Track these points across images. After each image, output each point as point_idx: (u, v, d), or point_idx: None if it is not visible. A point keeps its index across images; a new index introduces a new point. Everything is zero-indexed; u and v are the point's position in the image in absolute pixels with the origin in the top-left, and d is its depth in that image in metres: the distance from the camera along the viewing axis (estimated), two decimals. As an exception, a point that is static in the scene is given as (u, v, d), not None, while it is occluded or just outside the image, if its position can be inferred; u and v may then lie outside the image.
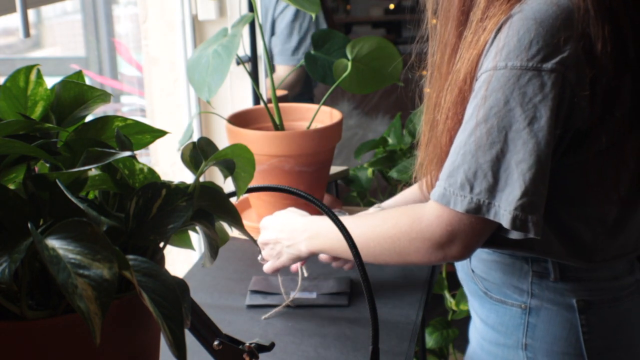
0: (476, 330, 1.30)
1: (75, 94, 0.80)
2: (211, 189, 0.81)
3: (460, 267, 1.31)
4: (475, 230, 1.10)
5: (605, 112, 1.07)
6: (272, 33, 2.88)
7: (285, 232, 1.37)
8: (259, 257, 1.43)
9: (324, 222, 1.31)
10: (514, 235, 1.07)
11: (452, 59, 1.16)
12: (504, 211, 1.05)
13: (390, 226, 1.17)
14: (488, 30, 1.09)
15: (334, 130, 1.74)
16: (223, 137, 1.89)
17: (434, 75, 1.21)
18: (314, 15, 1.65)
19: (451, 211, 1.09)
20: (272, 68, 1.82)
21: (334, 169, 2.21)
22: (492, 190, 1.06)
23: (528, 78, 1.04)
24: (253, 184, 0.88)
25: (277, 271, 1.40)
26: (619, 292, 1.21)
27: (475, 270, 1.27)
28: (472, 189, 1.06)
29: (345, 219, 1.29)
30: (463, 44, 1.13)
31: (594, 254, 1.17)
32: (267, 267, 1.40)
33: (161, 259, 0.78)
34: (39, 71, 0.78)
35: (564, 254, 1.16)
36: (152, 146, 1.79)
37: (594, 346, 1.19)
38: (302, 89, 2.95)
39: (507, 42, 1.05)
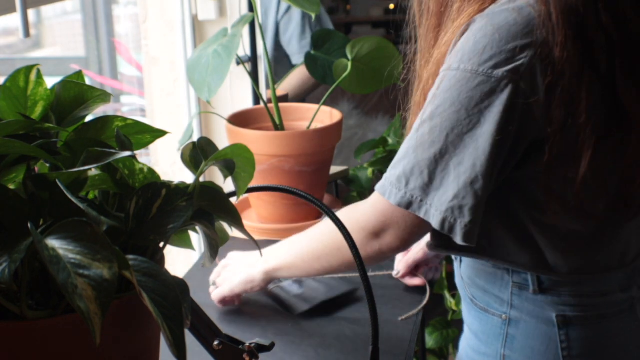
0: (464, 336, 1.30)
1: (75, 94, 0.80)
2: (211, 189, 0.81)
3: (456, 272, 1.30)
4: (408, 224, 1.11)
5: (564, 119, 1.03)
6: (276, 35, 2.88)
7: (235, 259, 1.41)
8: (210, 290, 1.44)
9: (275, 245, 1.33)
10: (458, 241, 1.06)
11: (429, 62, 1.16)
12: (434, 211, 1.05)
13: (330, 222, 1.17)
14: (451, 33, 1.09)
15: (334, 130, 1.74)
16: (223, 137, 1.89)
17: (414, 79, 1.22)
18: (314, 15, 1.65)
19: (386, 202, 1.10)
20: (272, 69, 1.81)
21: (334, 169, 2.21)
22: (426, 188, 1.06)
23: (477, 83, 1.02)
24: (253, 184, 0.88)
25: (225, 302, 1.41)
26: (605, 309, 1.17)
27: (464, 276, 1.26)
28: (407, 183, 1.07)
29: (291, 238, 1.31)
30: (439, 44, 1.13)
31: (559, 267, 1.14)
32: (215, 295, 1.41)
33: (161, 259, 0.78)
34: (39, 71, 0.78)
35: (530, 265, 1.14)
36: (152, 146, 1.79)
37: None
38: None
39: (464, 44, 1.04)
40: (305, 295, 1.43)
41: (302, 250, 1.27)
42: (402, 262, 1.51)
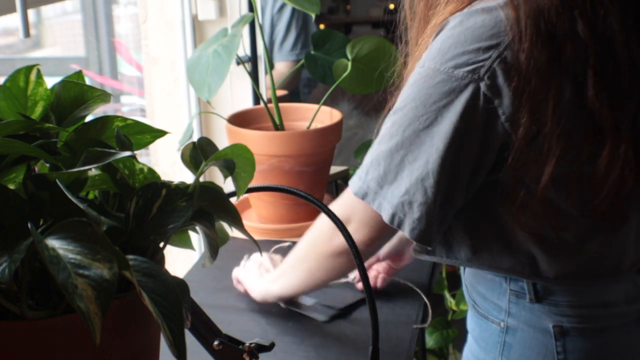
0: (467, 342, 1.30)
1: (75, 94, 0.80)
2: (211, 189, 0.81)
3: (462, 278, 1.29)
4: (367, 217, 1.11)
5: (528, 129, 1.00)
6: (272, 31, 2.89)
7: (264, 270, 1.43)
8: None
9: (285, 276, 1.34)
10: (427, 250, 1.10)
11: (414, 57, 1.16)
12: (386, 204, 1.06)
13: (312, 226, 1.23)
14: (429, 31, 1.09)
15: (334, 130, 1.74)
16: (223, 137, 1.89)
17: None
18: (314, 15, 1.65)
19: (350, 194, 1.11)
20: (272, 67, 1.82)
21: (334, 169, 2.21)
22: (382, 181, 1.06)
23: (437, 81, 1.02)
24: (253, 184, 0.88)
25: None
26: (608, 320, 1.14)
27: (466, 282, 1.25)
28: (367, 174, 1.08)
29: (297, 259, 1.31)
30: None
31: (549, 272, 1.11)
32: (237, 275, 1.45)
33: (161, 259, 0.78)
34: (39, 71, 0.78)
35: (516, 270, 1.12)
36: (152, 146, 1.79)
37: None
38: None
39: (434, 44, 1.05)
40: (319, 306, 1.41)
41: (293, 260, 1.30)
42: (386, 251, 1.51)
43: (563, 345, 1.13)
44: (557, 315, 1.13)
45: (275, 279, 1.35)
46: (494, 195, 1.08)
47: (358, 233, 1.12)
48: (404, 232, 1.06)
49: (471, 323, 1.26)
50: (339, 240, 1.16)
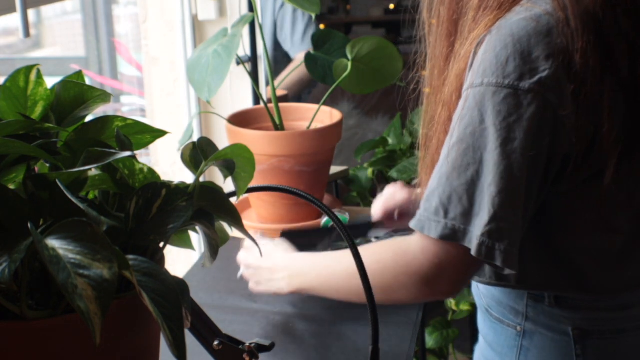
0: (479, 347, 1.28)
1: (75, 94, 0.80)
2: (211, 189, 0.81)
3: (472, 281, 1.28)
4: (464, 262, 1.03)
5: (593, 134, 1.00)
6: (275, 32, 2.88)
7: (267, 263, 1.35)
8: (238, 275, 1.43)
9: (306, 260, 1.29)
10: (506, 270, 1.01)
11: (443, 73, 1.12)
12: (474, 238, 0.99)
13: (374, 261, 1.08)
14: (469, 44, 1.05)
15: (334, 130, 1.74)
16: (223, 137, 1.89)
17: (429, 89, 1.18)
18: (314, 15, 1.65)
19: (436, 241, 1.03)
20: (272, 68, 1.81)
21: (334, 169, 2.21)
22: (467, 214, 1.00)
23: (503, 96, 0.98)
24: (253, 184, 0.88)
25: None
26: (625, 323, 1.14)
27: (479, 286, 1.24)
28: (446, 213, 1.01)
29: (329, 254, 1.29)
30: (453, 57, 1.09)
31: (599, 286, 1.11)
32: (252, 287, 1.40)
33: (161, 259, 0.78)
34: (39, 71, 0.78)
35: (567, 287, 1.11)
36: (152, 146, 1.79)
37: None
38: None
39: (484, 58, 1.00)
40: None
41: (328, 282, 1.23)
42: (380, 206, 1.51)
43: (583, 348, 1.12)
44: (577, 318, 1.12)
45: (304, 283, 1.30)
46: (542, 214, 1.06)
47: (450, 286, 1.06)
48: (495, 261, 0.99)
49: (484, 327, 1.24)
50: (423, 294, 1.09)
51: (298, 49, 2.86)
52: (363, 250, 1.09)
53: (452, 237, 1.01)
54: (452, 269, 1.05)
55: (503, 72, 0.98)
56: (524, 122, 0.97)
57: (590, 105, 0.99)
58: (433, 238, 1.03)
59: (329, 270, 1.23)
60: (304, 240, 1.47)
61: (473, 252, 0.99)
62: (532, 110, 0.97)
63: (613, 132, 1.00)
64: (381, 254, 1.12)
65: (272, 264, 1.34)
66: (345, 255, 1.18)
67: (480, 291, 1.24)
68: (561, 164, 1.02)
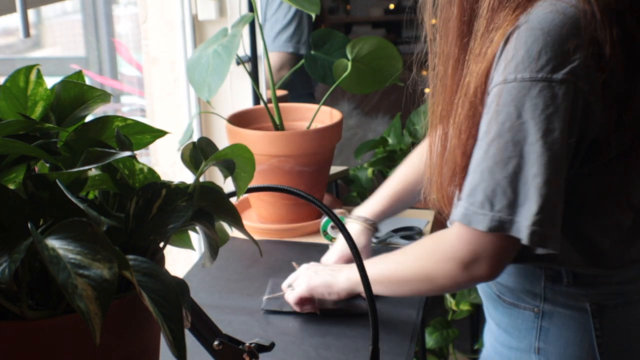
0: (490, 333, 1.30)
1: (75, 94, 0.80)
2: (211, 189, 0.81)
3: None
4: (499, 249, 1.09)
5: (617, 118, 1.06)
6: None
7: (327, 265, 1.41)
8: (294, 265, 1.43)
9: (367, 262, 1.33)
10: (539, 250, 1.06)
11: (456, 71, 1.15)
12: (523, 227, 1.04)
13: (419, 249, 1.20)
14: (495, 42, 1.07)
15: (334, 130, 1.74)
16: (223, 137, 1.89)
17: (437, 87, 1.19)
18: (314, 15, 1.65)
19: (473, 230, 1.08)
20: (270, 67, 1.82)
21: (334, 169, 2.21)
22: (513, 206, 1.05)
23: (539, 89, 1.02)
24: (253, 184, 0.88)
25: (302, 304, 1.38)
26: (633, 295, 1.20)
27: None
28: (492, 206, 1.06)
29: (375, 258, 1.30)
30: (470, 56, 1.12)
31: (612, 261, 1.16)
32: (291, 296, 1.38)
33: (161, 259, 0.78)
34: (39, 71, 0.78)
35: (583, 263, 1.15)
36: (152, 146, 1.79)
37: (607, 350, 1.17)
38: (302, 87, 2.93)
39: (516, 53, 1.04)
40: (346, 307, 1.39)
41: (391, 273, 1.25)
42: (335, 258, 1.50)
43: (600, 321, 1.17)
44: (593, 294, 1.17)
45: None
46: (571, 194, 1.10)
47: (488, 269, 1.11)
48: (546, 247, 1.05)
49: (496, 314, 1.26)
50: (463, 278, 1.14)
51: (269, 48, 2.85)
52: (408, 247, 1.26)
53: (500, 228, 1.06)
54: (486, 254, 1.10)
55: (536, 66, 1.02)
56: (561, 112, 1.03)
57: (616, 92, 1.04)
58: (472, 229, 1.08)
59: (389, 265, 1.26)
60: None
61: (525, 241, 1.04)
62: (567, 100, 1.03)
63: (637, 116, 1.06)
64: (424, 242, 1.21)
65: (321, 265, 1.41)
66: (391, 254, 1.27)
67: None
68: (587, 148, 1.08)
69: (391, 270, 1.25)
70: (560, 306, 1.18)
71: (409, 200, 1.54)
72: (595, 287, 1.17)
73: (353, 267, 1.32)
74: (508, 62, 1.04)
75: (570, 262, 1.16)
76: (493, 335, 1.28)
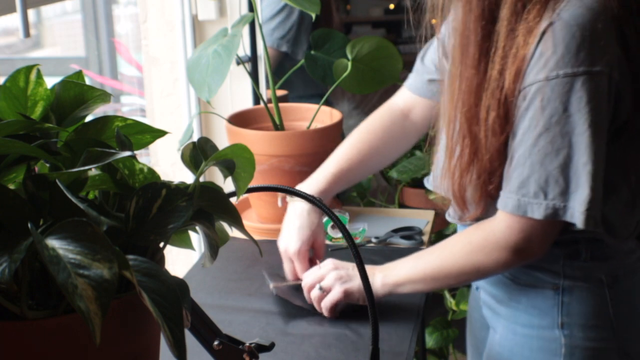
0: (502, 318, 1.32)
1: (75, 94, 0.80)
2: (211, 189, 0.81)
3: None
4: (548, 232, 1.18)
5: (638, 105, 1.15)
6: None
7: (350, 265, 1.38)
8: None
9: (395, 262, 1.33)
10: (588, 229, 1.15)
11: (478, 73, 1.18)
12: (577, 212, 1.12)
13: (466, 243, 1.25)
14: (525, 42, 1.12)
15: (334, 130, 1.74)
16: (223, 137, 1.89)
17: (454, 90, 1.21)
18: (314, 16, 1.65)
19: (525, 219, 1.16)
20: (271, 67, 1.81)
21: (334, 169, 2.20)
22: (565, 193, 1.13)
23: (581, 82, 1.09)
24: (253, 184, 0.88)
25: (334, 311, 1.35)
26: (635, 264, 1.28)
27: None
28: (546, 195, 1.14)
29: (419, 253, 1.32)
30: (495, 58, 1.16)
31: (621, 232, 1.23)
32: (326, 303, 1.35)
33: (161, 259, 0.78)
34: (39, 71, 0.78)
35: (596, 232, 1.21)
36: (152, 146, 1.79)
37: (620, 316, 1.25)
38: (312, 88, 2.89)
39: (555, 50, 1.10)
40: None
41: (435, 271, 1.28)
42: (301, 243, 1.45)
43: (613, 291, 1.25)
44: (608, 266, 1.25)
45: (398, 275, 1.31)
46: None
47: (539, 251, 1.20)
48: (598, 227, 1.13)
49: (510, 299, 1.30)
50: (516, 263, 1.22)
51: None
52: (450, 240, 1.29)
53: (554, 215, 1.14)
54: (537, 238, 1.18)
55: (577, 61, 1.09)
56: (604, 103, 1.11)
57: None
58: (522, 217, 1.16)
59: (430, 262, 1.29)
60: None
61: (580, 225, 1.12)
62: (605, 90, 1.11)
63: None
64: (470, 236, 1.25)
65: (347, 263, 1.38)
66: (434, 249, 1.30)
67: None
68: (615, 130, 1.17)
69: (435, 268, 1.28)
70: (579, 281, 1.25)
71: (358, 178, 1.58)
72: (609, 259, 1.25)
73: (384, 270, 1.32)
74: (547, 59, 1.10)
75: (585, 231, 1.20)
76: (506, 318, 1.31)
